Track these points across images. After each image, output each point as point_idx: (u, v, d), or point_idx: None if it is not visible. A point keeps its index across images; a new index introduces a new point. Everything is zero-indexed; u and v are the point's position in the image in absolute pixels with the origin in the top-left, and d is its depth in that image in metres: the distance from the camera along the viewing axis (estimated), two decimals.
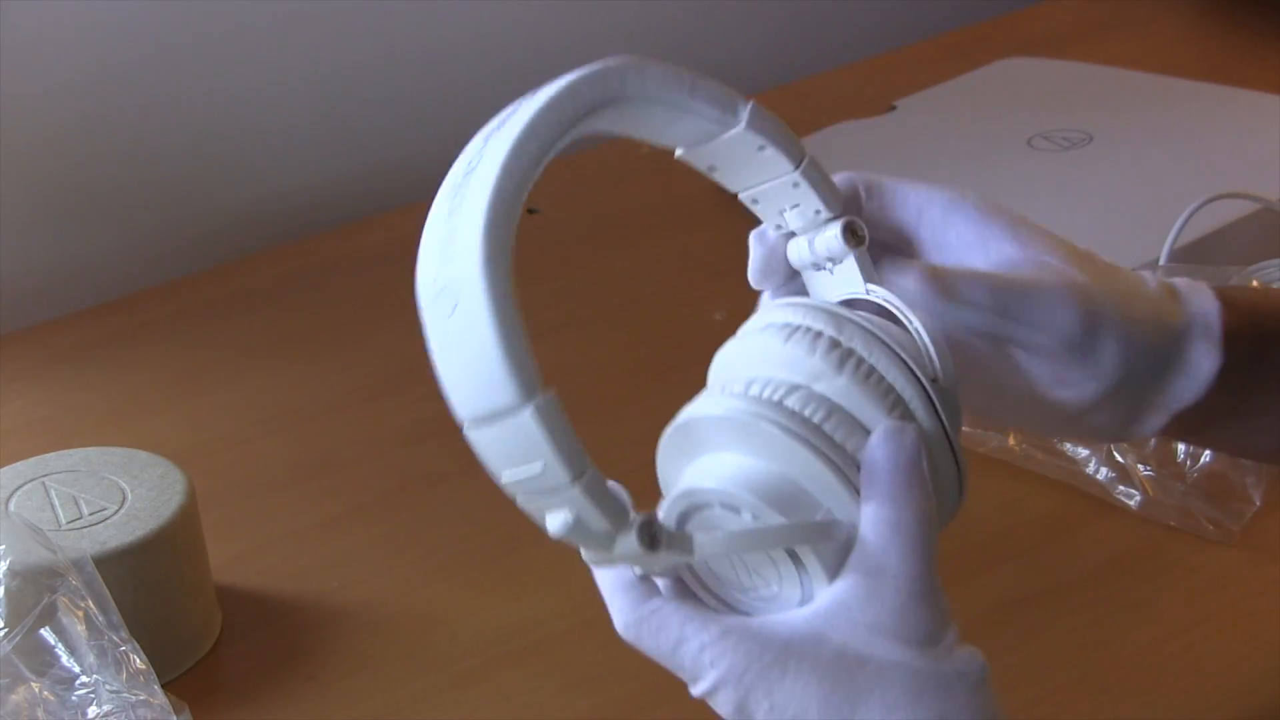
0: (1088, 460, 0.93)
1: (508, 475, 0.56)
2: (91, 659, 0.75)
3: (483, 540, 0.95)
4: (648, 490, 0.62)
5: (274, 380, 1.11)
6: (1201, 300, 0.67)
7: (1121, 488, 0.92)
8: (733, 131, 0.62)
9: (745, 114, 0.62)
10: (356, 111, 1.39)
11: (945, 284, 0.64)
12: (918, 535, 0.59)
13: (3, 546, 0.78)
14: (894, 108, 1.38)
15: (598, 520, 0.56)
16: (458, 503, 0.98)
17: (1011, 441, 0.95)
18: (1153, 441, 0.93)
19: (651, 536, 0.57)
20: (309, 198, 1.37)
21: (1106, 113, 1.31)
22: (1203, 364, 0.66)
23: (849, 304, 0.64)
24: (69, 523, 0.84)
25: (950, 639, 0.59)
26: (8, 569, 0.77)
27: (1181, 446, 0.92)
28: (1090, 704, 0.81)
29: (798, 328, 0.62)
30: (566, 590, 0.90)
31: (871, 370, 0.61)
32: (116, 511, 0.85)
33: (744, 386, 0.62)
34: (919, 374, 0.61)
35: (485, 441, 0.56)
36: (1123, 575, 0.89)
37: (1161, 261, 1.04)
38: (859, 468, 0.60)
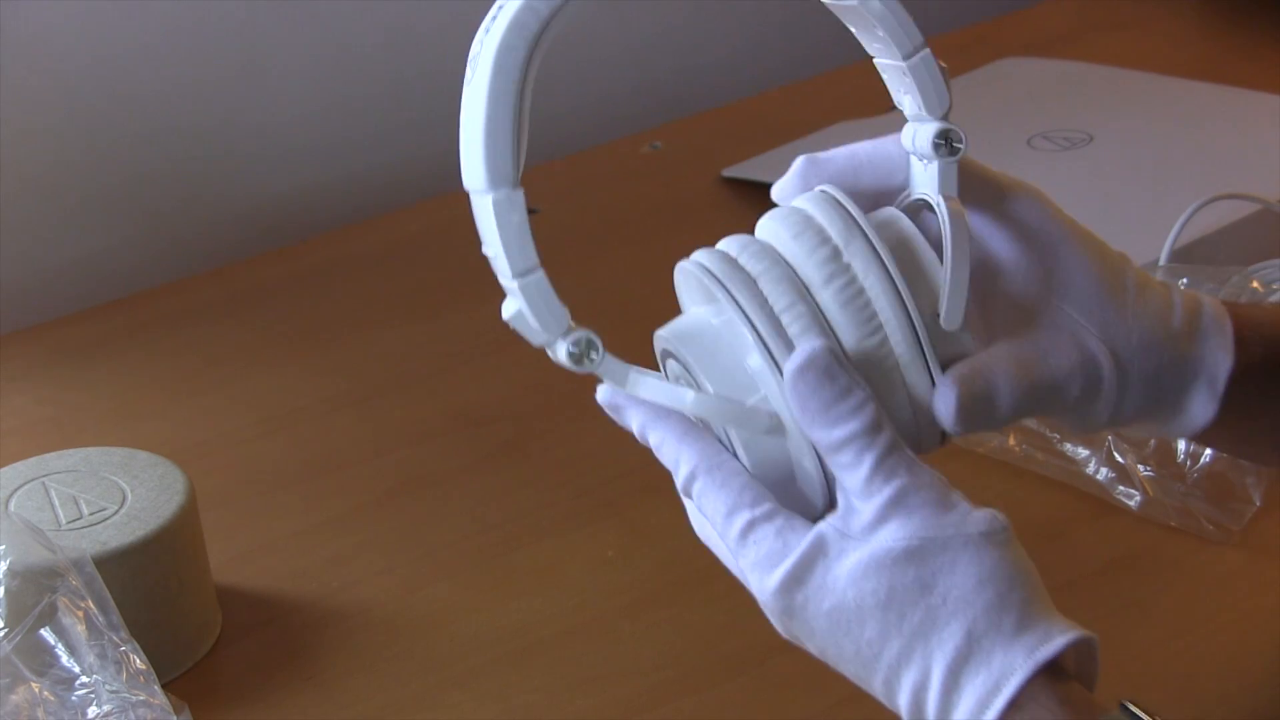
0: (1088, 460, 0.93)
1: (484, 248, 0.61)
2: (91, 659, 0.75)
3: (483, 540, 0.95)
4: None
5: (274, 380, 1.11)
6: (1217, 346, 0.67)
7: (1121, 488, 0.92)
8: (847, 3, 0.63)
9: None
10: (357, 114, 1.39)
11: (974, 409, 0.63)
12: (867, 446, 0.60)
13: (3, 546, 0.78)
14: (894, 108, 1.38)
15: (534, 321, 0.61)
16: (458, 503, 0.98)
17: (1012, 441, 0.95)
18: (1153, 442, 0.93)
19: (579, 354, 0.61)
20: (309, 199, 1.37)
21: (1106, 113, 1.31)
22: (1199, 414, 0.67)
23: (919, 206, 0.65)
24: (69, 523, 0.84)
25: (958, 503, 0.60)
26: (8, 569, 0.77)
27: (1181, 446, 0.92)
28: None
29: (810, 225, 0.63)
30: (566, 590, 0.90)
31: (860, 293, 0.61)
32: (116, 511, 0.85)
33: (738, 249, 0.63)
34: (911, 309, 0.61)
35: (474, 212, 0.61)
36: (1123, 575, 0.89)
37: (1161, 261, 1.04)
38: None
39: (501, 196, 0.60)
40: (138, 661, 0.76)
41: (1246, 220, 1.10)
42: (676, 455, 0.63)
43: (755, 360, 0.61)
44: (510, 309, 0.62)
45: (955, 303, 0.62)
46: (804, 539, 0.60)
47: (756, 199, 1.27)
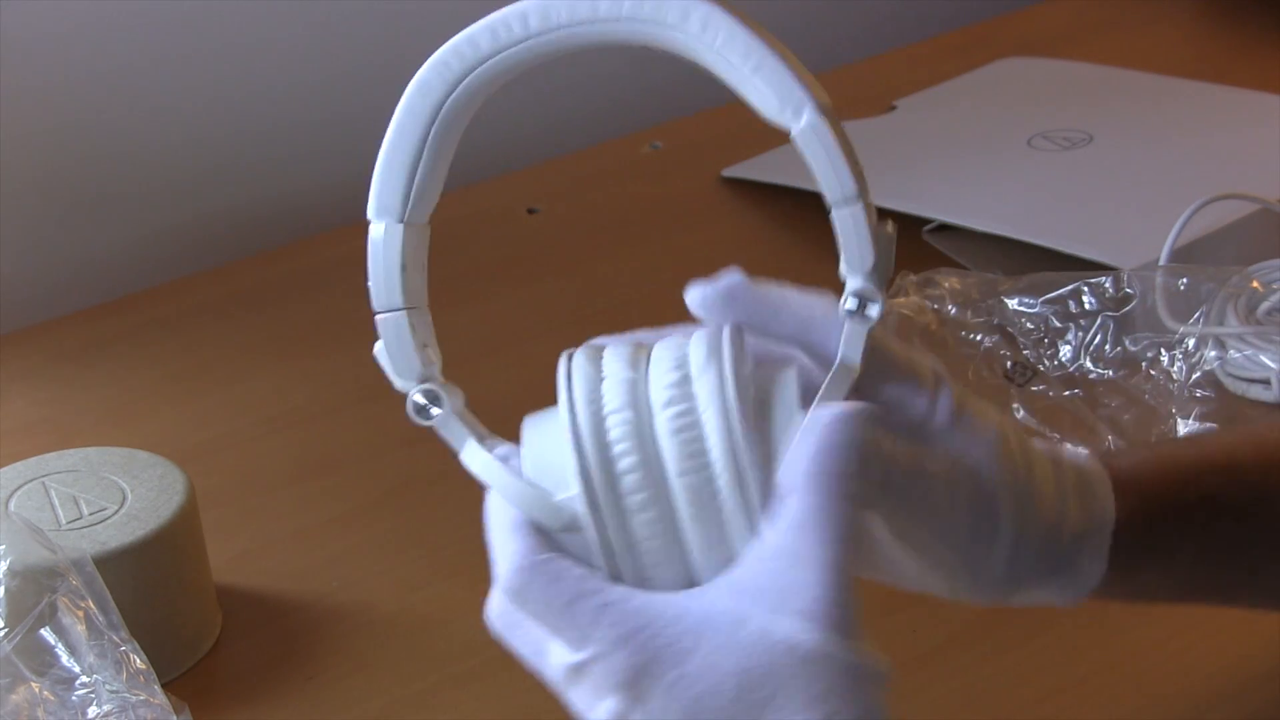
0: None
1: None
2: (91, 659, 0.75)
3: (483, 540, 0.95)
4: None
5: (274, 380, 1.11)
6: (1102, 503, 0.65)
7: None
8: (793, 133, 0.59)
9: (800, 124, 0.59)
10: (356, 113, 1.39)
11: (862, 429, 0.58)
12: (840, 523, 0.56)
13: (3, 546, 0.78)
14: (894, 108, 1.38)
15: (388, 362, 0.63)
16: (458, 503, 0.97)
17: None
18: (1153, 437, 0.93)
19: (420, 408, 0.63)
20: (309, 199, 1.37)
21: (1106, 113, 1.31)
22: (1090, 574, 0.65)
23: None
24: (69, 523, 0.84)
25: (866, 641, 0.56)
26: (8, 569, 0.77)
27: None
28: (1090, 704, 0.81)
29: (677, 350, 0.60)
30: None
31: (693, 425, 0.58)
32: (116, 511, 0.85)
33: (610, 344, 0.61)
34: (742, 454, 0.57)
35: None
36: None
37: (1161, 261, 1.04)
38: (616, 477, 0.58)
39: (380, 228, 0.62)
40: (138, 661, 0.76)
41: (1246, 220, 1.10)
42: (500, 556, 0.60)
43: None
44: (377, 348, 0.63)
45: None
46: (685, 618, 0.57)
47: (756, 199, 1.26)
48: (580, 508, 0.59)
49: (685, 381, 0.59)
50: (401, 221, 0.61)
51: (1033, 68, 1.43)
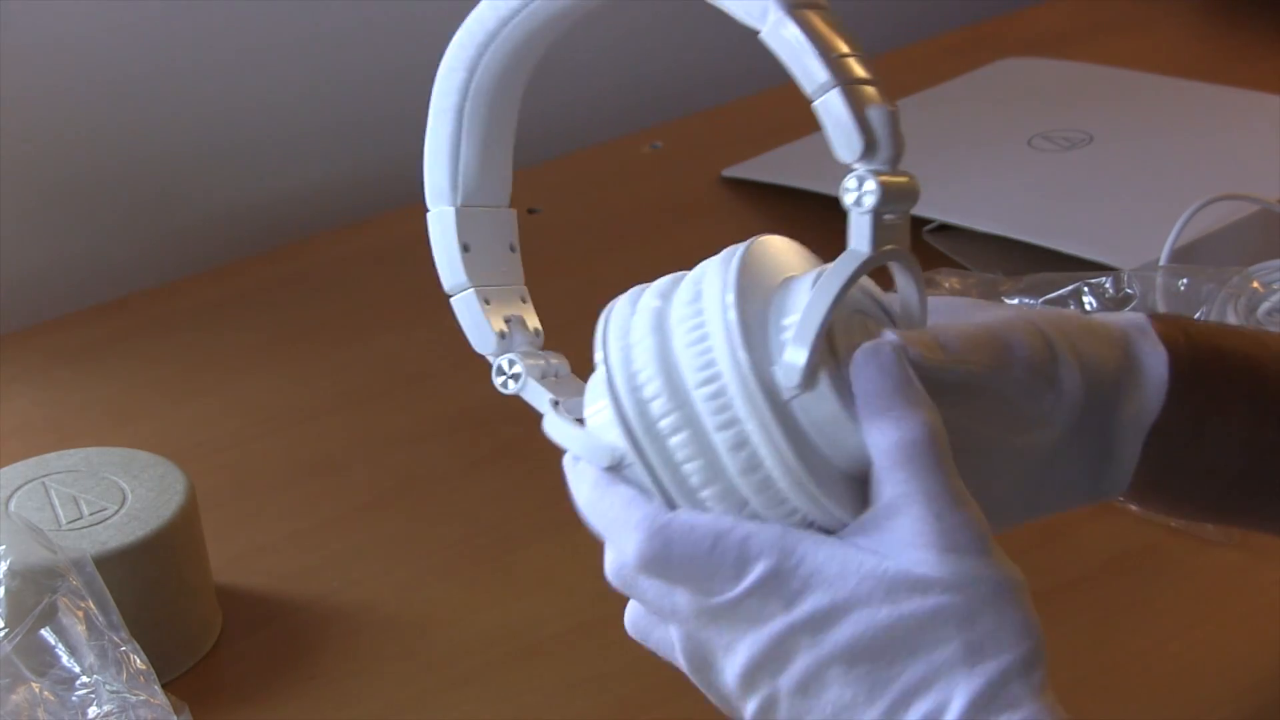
0: None
1: None
2: (92, 659, 0.75)
3: (483, 540, 0.95)
4: None
5: (274, 380, 1.11)
6: (1126, 314, 0.66)
7: None
8: (760, 34, 0.60)
9: (766, 25, 0.60)
10: (356, 113, 1.39)
11: (931, 349, 0.60)
12: (931, 446, 0.56)
13: (3, 546, 0.78)
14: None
15: (468, 337, 0.65)
16: (458, 503, 0.98)
17: None
18: None
19: (503, 375, 0.65)
20: (308, 198, 1.37)
21: (1106, 113, 1.31)
22: (1153, 364, 0.65)
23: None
24: (69, 523, 0.84)
25: (999, 550, 0.57)
26: (8, 569, 0.77)
27: None
28: (1090, 704, 0.81)
29: (699, 270, 0.60)
30: (566, 590, 0.90)
31: (704, 337, 0.57)
32: (116, 511, 0.85)
33: (651, 285, 0.61)
34: (739, 354, 0.56)
35: None
36: (1123, 575, 0.89)
37: (1161, 262, 1.04)
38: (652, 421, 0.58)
39: (434, 215, 0.65)
40: (138, 661, 0.76)
41: (1246, 220, 1.10)
42: (623, 530, 0.59)
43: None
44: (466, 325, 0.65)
45: (794, 353, 0.56)
46: (811, 543, 0.57)
47: (756, 199, 1.27)
48: (622, 441, 0.58)
49: (698, 297, 0.59)
50: (453, 205, 0.64)
51: (1033, 68, 1.43)
